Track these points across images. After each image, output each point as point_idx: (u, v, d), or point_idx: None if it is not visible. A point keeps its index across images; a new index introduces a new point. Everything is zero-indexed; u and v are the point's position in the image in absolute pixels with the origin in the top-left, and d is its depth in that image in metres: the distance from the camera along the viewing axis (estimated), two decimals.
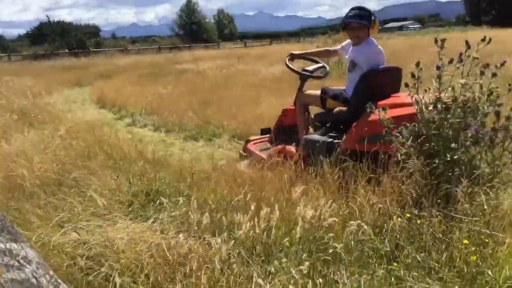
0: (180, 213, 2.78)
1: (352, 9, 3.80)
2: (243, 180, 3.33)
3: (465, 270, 2.21)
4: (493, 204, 2.54)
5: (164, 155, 4.58)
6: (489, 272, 2.12)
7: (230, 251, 2.38)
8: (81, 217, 2.83)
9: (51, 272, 1.61)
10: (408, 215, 2.59)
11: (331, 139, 3.57)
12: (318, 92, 4.13)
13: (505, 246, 2.28)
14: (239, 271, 2.24)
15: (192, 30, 64.22)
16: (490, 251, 2.29)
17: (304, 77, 4.39)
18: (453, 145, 2.82)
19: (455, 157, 2.78)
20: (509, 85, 2.83)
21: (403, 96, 3.48)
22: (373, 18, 3.74)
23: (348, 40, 4.05)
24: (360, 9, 3.78)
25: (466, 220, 2.43)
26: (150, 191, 3.31)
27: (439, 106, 2.88)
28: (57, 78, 16.81)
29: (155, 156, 4.28)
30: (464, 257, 2.26)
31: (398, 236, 2.50)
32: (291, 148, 4.06)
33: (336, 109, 3.84)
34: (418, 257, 2.33)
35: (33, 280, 1.49)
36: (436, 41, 2.95)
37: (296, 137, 4.31)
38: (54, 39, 45.05)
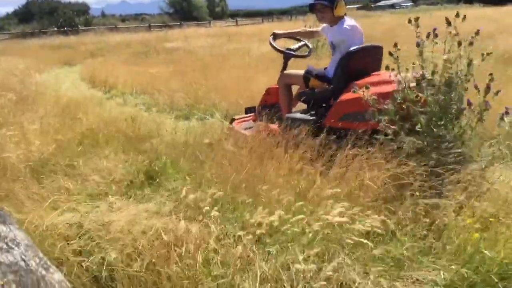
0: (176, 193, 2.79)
1: None
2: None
3: (464, 250, 2.23)
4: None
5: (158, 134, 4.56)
6: (486, 253, 2.15)
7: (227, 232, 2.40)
8: (76, 198, 2.84)
9: (41, 255, 1.58)
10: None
11: (313, 117, 3.64)
12: (301, 72, 4.19)
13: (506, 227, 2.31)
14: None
15: (182, 8, 63.17)
16: (493, 231, 2.30)
17: (288, 56, 4.49)
18: (440, 122, 2.85)
19: (441, 133, 2.82)
20: (482, 54, 2.84)
21: (383, 74, 3.53)
22: None
23: None
24: None
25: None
26: (147, 170, 3.32)
27: (423, 84, 2.91)
28: (46, 57, 16.55)
29: (149, 135, 4.28)
30: (464, 236, 2.28)
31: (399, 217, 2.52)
32: (274, 126, 4.08)
33: (318, 88, 3.91)
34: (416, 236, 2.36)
35: (22, 263, 1.45)
36: (409, 21, 3.05)
37: (279, 115, 4.35)
38: (42, 17, 44.20)
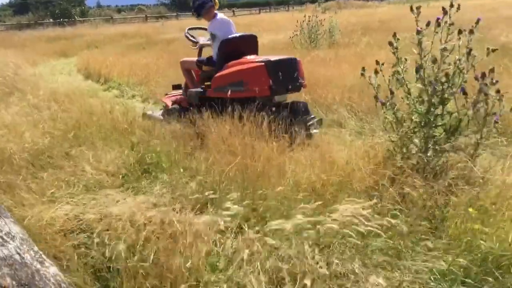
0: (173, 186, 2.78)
1: None
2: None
3: (461, 240, 2.24)
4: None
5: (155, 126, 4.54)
6: (483, 243, 2.16)
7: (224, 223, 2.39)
8: (74, 190, 2.82)
9: (36, 248, 1.57)
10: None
11: (201, 90, 4.73)
12: (194, 59, 5.28)
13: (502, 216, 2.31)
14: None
15: None
16: (491, 220, 2.31)
17: (198, 45, 5.41)
18: (437, 111, 2.85)
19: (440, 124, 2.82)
20: (488, 49, 2.82)
21: (252, 57, 4.54)
22: None
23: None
24: None
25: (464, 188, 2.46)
26: (143, 162, 3.31)
27: (420, 73, 2.90)
28: (42, 49, 16.44)
29: (146, 127, 4.26)
30: (463, 226, 2.28)
31: (393, 204, 2.52)
32: (183, 98, 5.29)
33: (208, 71, 4.87)
34: (413, 225, 2.36)
35: (17, 257, 1.45)
36: (411, 9, 3.06)
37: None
38: (38, 8, 43.79)
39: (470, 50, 2.81)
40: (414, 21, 3.00)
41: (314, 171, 2.93)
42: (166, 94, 5.95)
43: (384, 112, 3.13)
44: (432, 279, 2.09)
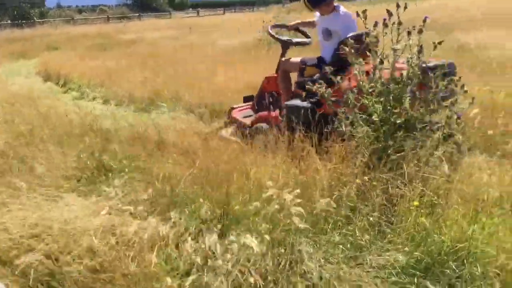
0: (131, 190, 2.71)
1: None
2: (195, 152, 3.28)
3: (415, 233, 2.26)
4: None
5: (114, 128, 4.43)
6: (435, 236, 2.19)
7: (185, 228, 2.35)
8: (25, 195, 2.71)
9: None
10: (364, 178, 2.63)
11: (310, 105, 3.55)
12: (298, 59, 4.25)
13: (452, 209, 2.36)
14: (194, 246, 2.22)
15: None
16: (441, 213, 2.36)
17: (287, 45, 4.54)
18: (395, 110, 2.88)
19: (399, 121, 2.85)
20: (434, 43, 2.88)
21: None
22: None
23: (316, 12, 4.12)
24: None
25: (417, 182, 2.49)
26: (99, 165, 3.21)
27: (376, 74, 2.93)
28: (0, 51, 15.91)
29: (103, 129, 4.15)
30: (414, 220, 2.31)
31: (352, 200, 2.54)
32: (275, 113, 4.10)
33: (315, 76, 3.82)
34: (371, 220, 2.39)
35: None
36: (357, 14, 3.13)
37: (278, 103, 4.36)
38: None
39: (421, 47, 2.86)
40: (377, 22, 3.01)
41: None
42: (233, 108, 4.98)
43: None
44: (394, 273, 2.12)
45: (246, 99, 5.06)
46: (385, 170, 2.67)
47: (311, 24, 4.50)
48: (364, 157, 2.79)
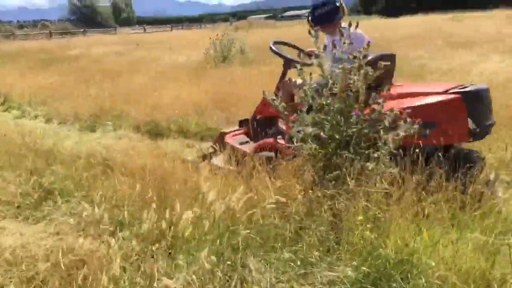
0: (76, 212, 2.61)
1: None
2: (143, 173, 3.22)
3: (362, 248, 2.32)
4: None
5: (57, 149, 4.26)
6: (381, 250, 2.25)
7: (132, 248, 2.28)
8: None
9: None
10: (311, 192, 2.67)
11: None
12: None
13: (396, 221, 2.43)
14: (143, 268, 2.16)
15: (85, 14, 60.65)
16: (384, 226, 2.42)
17: (291, 64, 3.97)
18: (341, 128, 2.97)
19: (346, 137, 2.93)
20: (381, 64, 3.00)
21: (409, 85, 3.44)
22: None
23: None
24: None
25: (360, 197, 2.55)
26: (42, 189, 3.07)
27: (324, 92, 3.01)
28: None
29: (46, 150, 3.98)
30: (360, 234, 2.37)
31: (300, 217, 2.57)
32: (281, 141, 3.72)
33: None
34: (318, 235, 2.42)
35: None
36: (309, 32, 3.13)
37: (278, 129, 3.96)
38: None
39: (366, 71, 2.97)
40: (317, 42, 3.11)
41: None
42: (224, 133, 4.44)
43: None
44: None
45: (242, 123, 4.56)
46: (331, 186, 2.74)
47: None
48: (311, 173, 2.85)
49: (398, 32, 16.46)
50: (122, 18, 69.55)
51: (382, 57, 3.35)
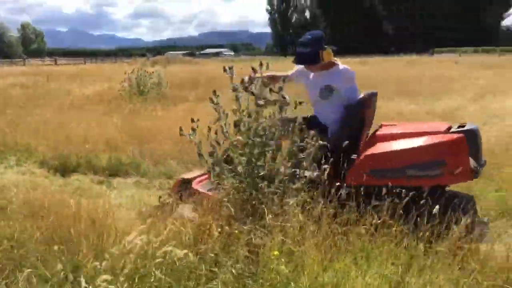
0: None
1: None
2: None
3: (277, 283, 2.30)
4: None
5: None
6: (293, 284, 2.25)
7: None
8: None
9: None
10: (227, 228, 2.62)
11: (317, 172, 3.11)
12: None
13: (310, 254, 2.45)
14: None
15: None
16: (299, 260, 2.43)
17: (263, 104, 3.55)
18: (258, 162, 2.99)
19: (262, 173, 2.96)
20: (295, 102, 3.10)
21: (402, 125, 3.50)
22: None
23: (301, 66, 3.72)
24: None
25: (276, 231, 2.55)
26: None
27: (241, 127, 3.04)
28: None
29: None
30: (275, 269, 2.35)
31: (216, 253, 2.52)
32: None
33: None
34: (234, 272, 2.37)
35: None
36: (224, 69, 3.16)
37: None
38: None
39: (282, 106, 3.05)
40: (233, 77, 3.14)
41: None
42: (186, 180, 3.93)
43: (207, 162, 3.14)
44: None
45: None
46: (248, 221, 2.73)
47: (283, 79, 3.64)
48: (228, 208, 2.82)
49: None
50: (32, 49, 66.55)
51: (373, 95, 3.44)
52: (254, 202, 2.90)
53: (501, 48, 48.35)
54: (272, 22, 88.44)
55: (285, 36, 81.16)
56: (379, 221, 2.67)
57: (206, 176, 3.77)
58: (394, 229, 2.62)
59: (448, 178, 2.93)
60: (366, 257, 2.52)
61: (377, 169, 3.04)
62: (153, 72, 12.68)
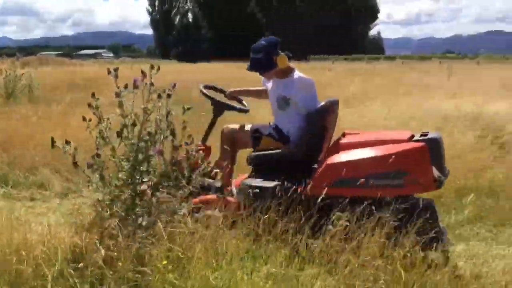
0: None
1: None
2: None
3: None
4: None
5: None
6: None
7: None
8: None
9: None
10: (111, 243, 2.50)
11: (288, 184, 3.09)
12: (247, 127, 3.60)
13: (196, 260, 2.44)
14: None
15: None
16: (187, 267, 2.41)
17: (223, 109, 3.71)
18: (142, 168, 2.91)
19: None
20: (183, 108, 3.08)
21: (365, 134, 3.49)
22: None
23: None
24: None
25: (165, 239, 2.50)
26: None
27: (124, 134, 2.92)
28: None
29: None
30: (163, 278, 2.32)
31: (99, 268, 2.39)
32: (231, 199, 3.37)
33: (272, 149, 3.39)
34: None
35: None
36: (109, 72, 3.00)
37: (214, 183, 3.53)
38: None
39: (169, 111, 2.99)
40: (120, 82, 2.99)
41: None
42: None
43: (85, 172, 2.94)
44: None
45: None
46: (140, 231, 2.65)
47: (261, 94, 3.88)
48: (110, 220, 2.68)
49: (208, 76, 17.35)
50: None
51: (334, 103, 3.42)
52: (137, 210, 2.82)
53: (368, 56, 53.03)
54: (154, 23, 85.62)
55: (169, 38, 79.89)
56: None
57: None
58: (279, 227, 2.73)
59: (411, 188, 2.88)
60: (252, 257, 2.60)
61: (338, 179, 2.94)
62: (23, 73, 11.76)
